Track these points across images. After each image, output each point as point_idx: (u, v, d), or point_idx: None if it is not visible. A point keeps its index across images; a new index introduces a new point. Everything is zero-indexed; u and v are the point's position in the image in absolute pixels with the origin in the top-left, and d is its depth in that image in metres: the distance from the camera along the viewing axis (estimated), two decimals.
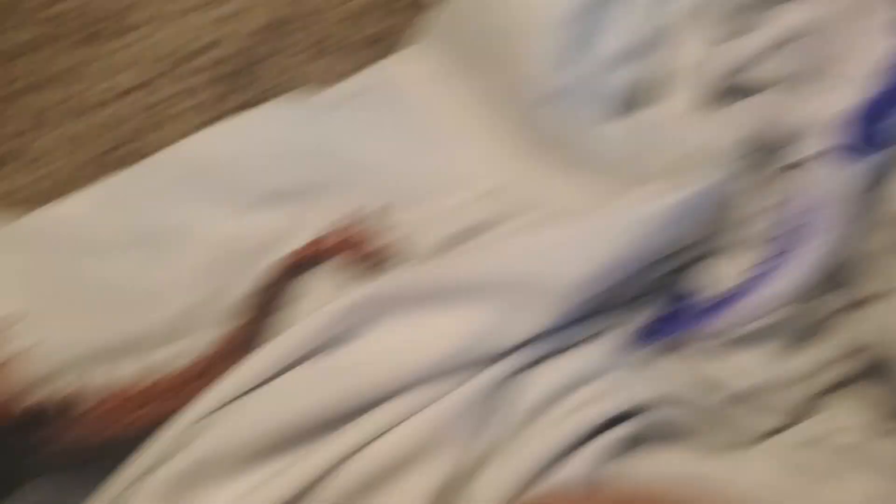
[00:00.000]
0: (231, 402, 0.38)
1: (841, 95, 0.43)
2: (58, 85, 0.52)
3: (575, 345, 0.41)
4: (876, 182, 0.43)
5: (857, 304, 0.44)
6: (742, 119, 0.46)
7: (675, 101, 0.48)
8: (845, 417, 0.44)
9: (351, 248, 0.43)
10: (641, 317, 0.43)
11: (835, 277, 0.43)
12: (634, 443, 0.39)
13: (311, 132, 0.47)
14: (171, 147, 0.46)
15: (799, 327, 0.43)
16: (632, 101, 0.48)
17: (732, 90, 0.49)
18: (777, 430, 0.43)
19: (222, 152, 0.46)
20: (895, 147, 0.43)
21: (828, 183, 0.41)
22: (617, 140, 0.47)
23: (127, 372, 0.39)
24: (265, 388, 0.39)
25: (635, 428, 0.39)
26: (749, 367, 0.42)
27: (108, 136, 0.51)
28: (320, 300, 0.42)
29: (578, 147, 0.46)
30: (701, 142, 0.46)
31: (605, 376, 0.40)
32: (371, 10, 0.58)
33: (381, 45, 0.56)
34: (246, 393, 0.38)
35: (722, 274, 0.44)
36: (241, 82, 0.53)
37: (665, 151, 0.46)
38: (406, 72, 0.51)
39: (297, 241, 0.44)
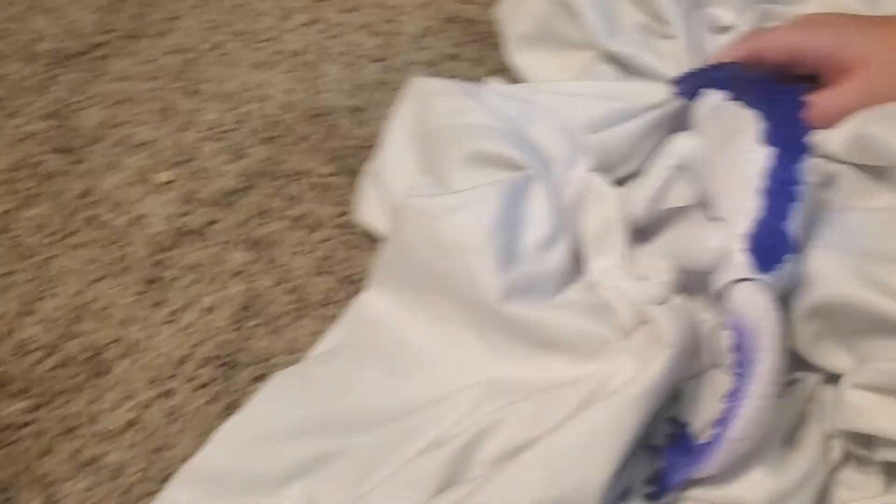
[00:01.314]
0: None
1: (734, 221, 0.44)
2: None
3: None
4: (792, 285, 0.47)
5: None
6: (667, 258, 0.52)
7: (609, 256, 0.54)
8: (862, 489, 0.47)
9: None
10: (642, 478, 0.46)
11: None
12: None
13: (311, 403, 0.51)
14: None
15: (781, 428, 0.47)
16: (571, 270, 0.54)
17: (651, 226, 0.56)
18: None
19: None
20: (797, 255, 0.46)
21: (750, 308, 0.44)
22: (572, 310, 0.51)
23: None
24: None
25: None
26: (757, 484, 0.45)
27: None
28: None
29: (540, 330, 0.51)
30: (644, 293, 0.51)
31: None
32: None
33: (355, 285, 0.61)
34: None
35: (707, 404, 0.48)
36: (229, 374, 0.56)
37: (617, 312, 0.51)
38: (373, 311, 0.56)
39: None
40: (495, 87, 0.62)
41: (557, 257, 0.53)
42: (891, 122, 0.54)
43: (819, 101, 0.54)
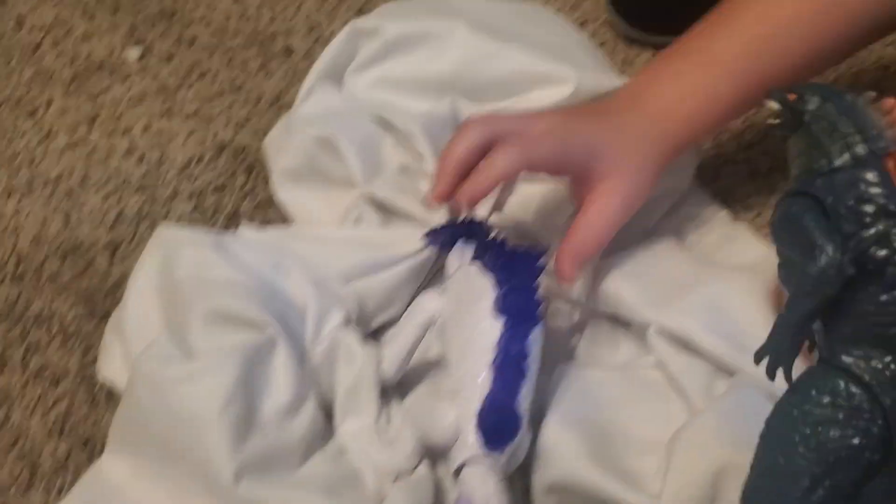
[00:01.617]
0: None
1: (467, 396, 0.44)
2: None
3: None
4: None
5: None
6: (410, 429, 0.49)
7: (360, 417, 0.51)
8: None
9: None
10: None
11: None
12: None
13: None
14: None
15: None
16: (320, 434, 0.51)
17: (400, 385, 0.54)
18: None
19: None
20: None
21: (478, 489, 0.43)
22: (313, 487, 0.48)
23: None
24: None
25: None
26: None
27: None
28: None
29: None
30: (392, 462, 0.48)
31: None
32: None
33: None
34: None
35: None
36: None
37: (363, 479, 0.49)
38: (110, 481, 0.52)
39: None
40: (247, 236, 0.59)
41: (302, 423, 0.51)
42: (626, 277, 0.55)
43: (584, 228, 0.53)
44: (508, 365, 0.45)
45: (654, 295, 0.53)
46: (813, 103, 0.36)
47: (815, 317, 0.34)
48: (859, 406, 0.33)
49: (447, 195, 0.52)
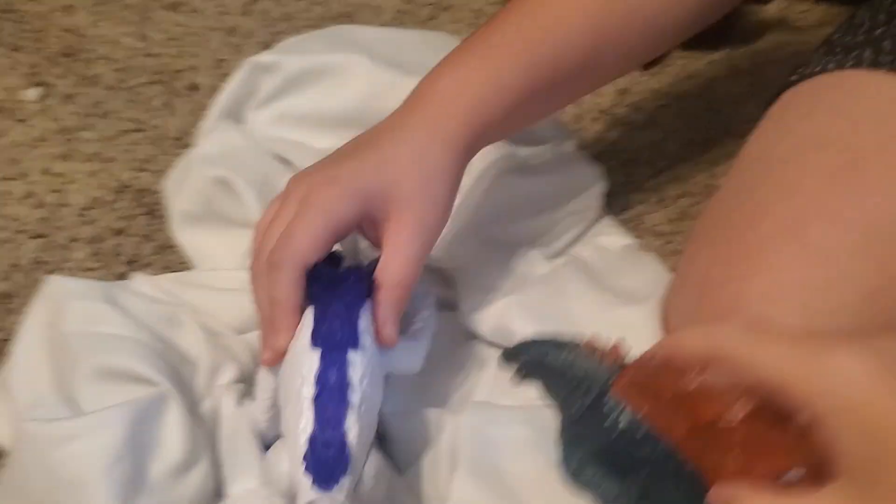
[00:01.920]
0: None
1: (294, 439, 0.42)
2: None
3: None
4: None
5: None
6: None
7: (246, 477, 0.49)
8: None
9: None
10: None
11: None
12: None
13: None
14: None
15: None
16: (210, 495, 0.49)
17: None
18: None
19: None
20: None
21: None
22: None
23: None
24: None
25: None
26: None
27: None
28: None
29: None
30: None
31: None
32: None
33: None
34: None
35: None
36: None
37: None
38: None
39: None
40: (140, 287, 0.57)
41: (194, 483, 0.48)
42: (529, 314, 0.54)
43: (387, 272, 0.48)
44: (329, 397, 0.42)
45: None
46: (533, 363, 0.42)
47: None
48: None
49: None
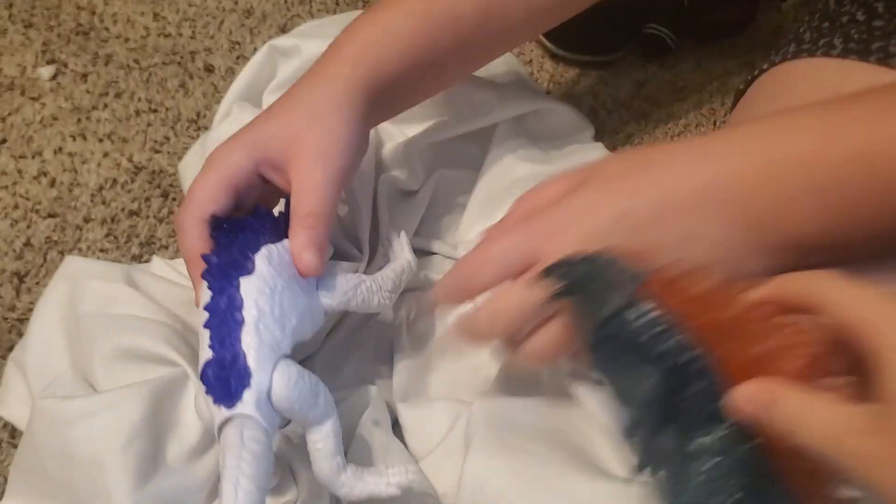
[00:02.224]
0: None
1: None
2: None
3: None
4: None
5: None
6: None
7: None
8: None
9: None
10: None
11: None
12: None
13: None
14: None
15: None
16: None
17: None
18: None
19: None
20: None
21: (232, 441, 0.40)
22: None
23: None
24: None
25: None
26: None
27: None
28: None
29: None
30: None
31: None
32: None
33: None
34: None
35: None
36: None
37: None
38: None
39: None
40: (159, 269, 0.57)
41: (209, 465, 0.48)
42: None
43: (295, 204, 0.47)
44: (220, 321, 0.42)
45: None
46: (579, 271, 0.41)
47: (665, 431, 0.39)
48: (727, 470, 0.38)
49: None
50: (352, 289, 0.48)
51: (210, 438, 0.49)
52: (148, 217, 0.68)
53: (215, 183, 0.48)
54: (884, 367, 0.33)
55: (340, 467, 0.43)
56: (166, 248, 0.65)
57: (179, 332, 0.52)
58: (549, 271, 0.42)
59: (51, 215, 0.68)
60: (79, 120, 0.76)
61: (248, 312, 0.42)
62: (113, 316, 0.52)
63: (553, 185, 0.49)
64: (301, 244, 0.46)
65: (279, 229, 0.48)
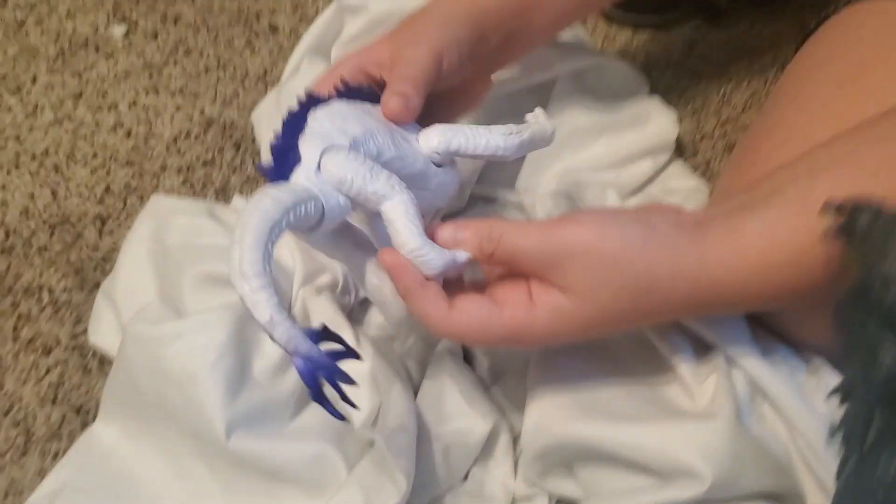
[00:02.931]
0: None
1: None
2: None
3: None
4: None
5: None
6: None
7: None
8: None
9: None
10: None
11: None
12: None
13: None
14: None
15: None
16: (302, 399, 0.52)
17: None
18: None
19: None
20: None
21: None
22: (305, 438, 0.50)
23: None
24: None
25: None
26: None
27: None
28: None
29: (271, 463, 0.49)
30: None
31: None
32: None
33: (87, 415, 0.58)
34: None
35: None
36: None
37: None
38: (100, 445, 0.53)
39: None
40: (242, 205, 0.60)
41: (292, 379, 0.52)
42: None
43: (395, 71, 0.51)
44: (288, 125, 0.43)
45: None
46: (864, 220, 0.38)
47: (879, 411, 0.37)
48: None
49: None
50: (453, 131, 0.49)
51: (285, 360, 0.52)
52: (221, 167, 0.71)
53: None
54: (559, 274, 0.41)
55: (420, 236, 0.43)
56: (241, 194, 0.68)
57: None
58: (832, 208, 0.40)
59: (128, 163, 0.72)
60: (151, 75, 0.79)
61: (316, 123, 0.44)
62: (198, 245, 0.55)
63: None
64: (389, 92, 0.49)
65: None
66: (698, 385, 0.49)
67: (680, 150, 0.70)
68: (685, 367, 0.49)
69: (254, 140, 0.72)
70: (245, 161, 0.71)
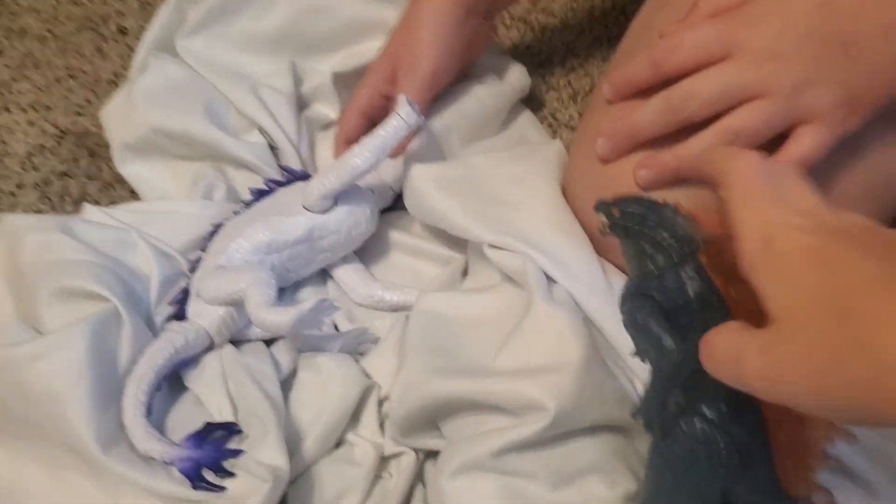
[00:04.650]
0: None
1: None
2: None
3: None
4: None
5: None
6: None
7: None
8: None
9: None
10: None
11: None
12: None
13: None
14: None
15: None
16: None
17: None
18: None
19: None
20: None
21: None
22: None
23: None
24: None
25: None
26: None
27: None
28: None
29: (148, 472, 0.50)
30: None
31: None
32: None
33: None
34: None
35: None
36: None
37: None
38: None
39: None
40: (91, 216, 0.60)
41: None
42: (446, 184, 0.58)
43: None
44: None
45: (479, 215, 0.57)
46: (633, 219, 0.41)
47: (672, 391, 0.41)
48: (714, 440, 0.40)
49: None
50: (320, 179, 0.57)
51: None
52: (78, 176, 0.71)
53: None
54: (758, 291, 0.34)
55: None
56: (98, 203, 0.68)
57: (111, 269, 0.55)
58: (615, 202, 0.42)
59: None
60: (1, 94, 0.78)
61: None
62: (51, 262, 0.55)
63: None
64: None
65: None
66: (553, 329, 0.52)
67: (528, 103, 0.72)
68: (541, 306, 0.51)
69: (108, 145, 0.72)
70: (101, 168, 0.71)
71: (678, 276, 0.40)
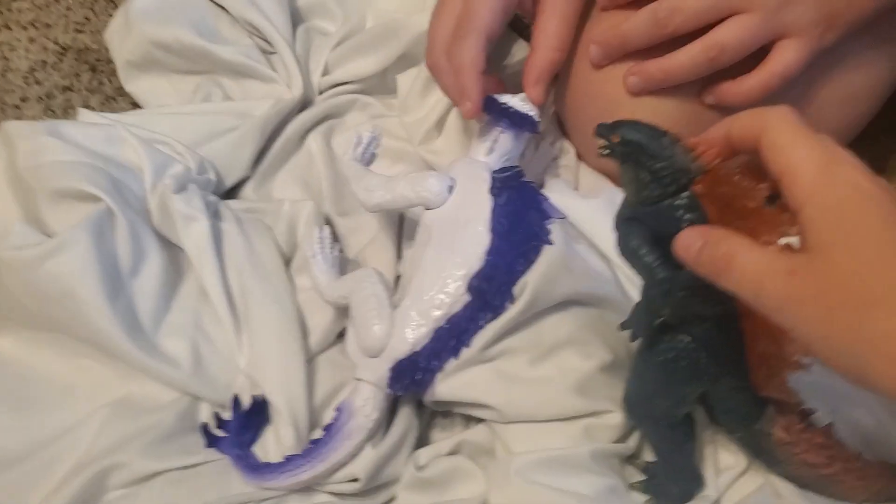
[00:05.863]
0: None
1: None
2: None
3: None
4: None
5: None
6: None
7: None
8: None
9: None
10: None
11: None
12: None
13: None
14: None
15: None
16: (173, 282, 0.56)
17: None
18: None
19: None
20: None
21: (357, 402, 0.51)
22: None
23: None
24: None
25: None
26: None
27: None
28: None
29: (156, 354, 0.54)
30: None
31: None
32: None
33: None
34: None
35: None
36: None
37: None
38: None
39: None
40: (89, 117, 0.62)
41: (152, 278, 0.56)
42: None
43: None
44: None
45: None
46: (632, 144, 0.41)
47: (661, 310, 0.43)
48: (696, 353, 0.44)
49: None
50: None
51: (139, 258, 0.56)
52: (80, 90, 0.72)
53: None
54: (804, 220, 0.34)
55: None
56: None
57: (101, 168, 0.57)
58: (615, 126, 0.42)
59: None
60: (1, 12, 0.79)
61: None
62: (42, 164, 0.57)
63: None
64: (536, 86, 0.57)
65: None
66: None
67: None
68: None
69: (109, 61, 0.73)
70: (102, 82, 0.73)
71: (673, 205, 0.40)
